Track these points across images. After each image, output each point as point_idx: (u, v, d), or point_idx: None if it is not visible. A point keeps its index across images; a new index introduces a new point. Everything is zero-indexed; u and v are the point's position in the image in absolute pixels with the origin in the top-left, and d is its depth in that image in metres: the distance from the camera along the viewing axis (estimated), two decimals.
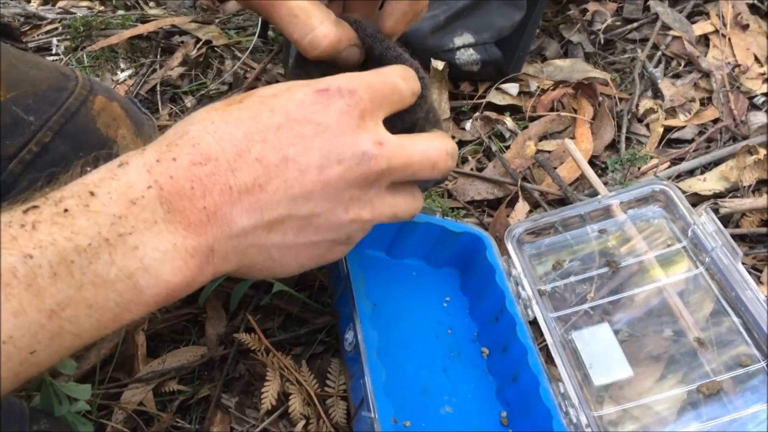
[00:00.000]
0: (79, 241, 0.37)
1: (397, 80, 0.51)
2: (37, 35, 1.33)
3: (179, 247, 0.41)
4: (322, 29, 0.53)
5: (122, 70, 1.22)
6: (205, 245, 0.43)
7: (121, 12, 1.34)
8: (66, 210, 0.37)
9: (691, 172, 0.94)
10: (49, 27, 1.35)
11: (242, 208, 0.44)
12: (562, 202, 0.91)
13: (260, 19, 1.22)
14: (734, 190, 0.90)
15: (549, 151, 0.99)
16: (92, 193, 0.39)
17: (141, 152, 0.42)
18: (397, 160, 0.50)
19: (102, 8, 1.37)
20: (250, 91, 0.47)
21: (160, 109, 1.13)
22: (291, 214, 0.46)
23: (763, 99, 1.02)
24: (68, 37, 1.29)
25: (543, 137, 1.02)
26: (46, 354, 0.37)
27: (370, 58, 0.58)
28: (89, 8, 1.38)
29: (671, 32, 1.15)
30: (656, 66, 1.10)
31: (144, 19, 1.30)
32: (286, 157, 0.45)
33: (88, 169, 0.42)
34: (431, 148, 0.53)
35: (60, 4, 1.41)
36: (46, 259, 0.36)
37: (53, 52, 1.27)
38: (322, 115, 0.45)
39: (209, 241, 0.43)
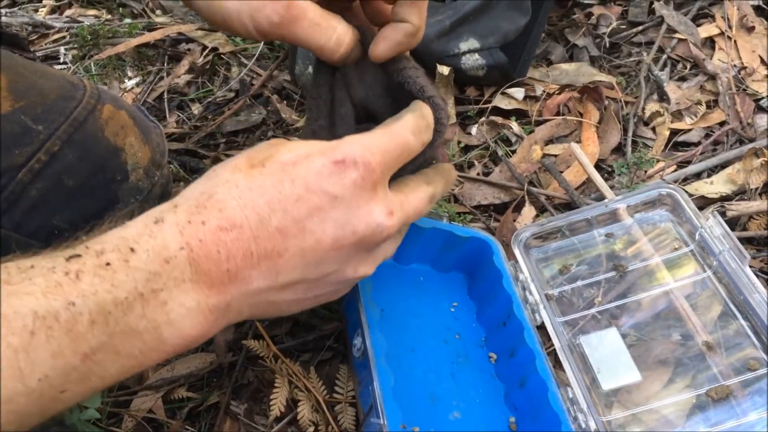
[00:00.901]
0: (118, 294, 0.40)
1: (409, 137, 0.53)
2: (45, 44, 1.34)
3: (202, 305, 0.44)
4: (341, 28, 0.56)
5: (129, 78, 1.23)
6: (224, 302, 0.46)
7: (128, 20, 1.35)
8: (108, 263, 0.40)
9: (697, 175, 0.94)
10: (56, 36, 1.36)
11: (260, 271, 0.47)
12: (568, 206, 0.91)
13: None
14: (741, 193, 0.89)
15: (555, 155, 0.99)
16: (132, 250, 0.41)
17: (174, 209, 0.45)
18: (402, 223, 0.53)
19: (109, 17, 1.38)
20: (271, 152, 0.48)
21: (167, 116, 1.14)
22: (304, 278, 0.50)
23: None
24: (76, 45, 1.30)
25: (549, 141, 1.02)
26: (73, 393, 0.39)
27: (371, 65, 0.59)
28: (96, 17, 1.39)
29: (676, 35, 1.15)
30: (662, 69, 1.10)
31: (151, 28, 1.31)
32: (303, 228, 0.47)
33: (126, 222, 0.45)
34: (423, 202, 0.56)
35: (67, 12, 1.42)
36: (87, 307, 0.38)
37: (61, 60, 1.28)
38: (338, 187, 0.48)
39: (228, 299, 0.46)
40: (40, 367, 0.36)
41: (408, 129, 0.53)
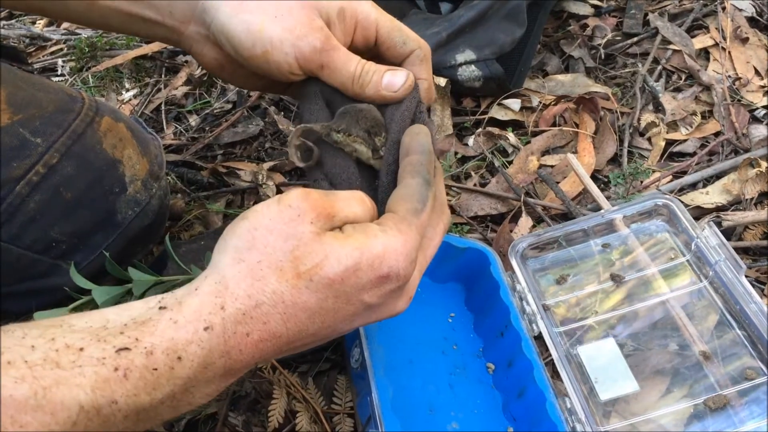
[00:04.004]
0: (156, 395, 0.43)
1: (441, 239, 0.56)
2: (43, 56, 1.34)
3: (221, 388, 0.48)
4: (370, 63, 0.60)
5: (127, 90, 1.23)
6: (239, 377, 0.49)
7: None
8: (155, 369, 0.43)
9: (693, 186, 0.94)
10: (54, 48, 1.36)
11: (283, 354, 0.50)
12: (565, 216, 0.91)
13: None
14: (737, 203, 0.90)
15: (551, 166, 1.00)
16: (180, 358, 0.44)
17: (221, 311, 0.46)
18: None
19: None
20: (320, 258, 0.48)
21: (164, 128, 1.14)
22: (320, 344, 0.53)
23: (764, 112, 1.02)
24: (73, 57, 1.30)
25: (545, 152, 1.03)
26: None
27: None
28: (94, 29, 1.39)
29: (671, 46, 1.15)
30: (657, 80, 1.11)
31: (148, 40, 1.31)
32: (335, 329, 0.51)
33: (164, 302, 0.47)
34: (437, 245, 0.57)
35: (65, 25, 1.42)
36: (127, 406, 0.42)
37: (59, 72, 1.29)
38: (375, 298, 0.50)
39: (243, 373, 0.49)
40: None
41: (441, 231, 0.56)
